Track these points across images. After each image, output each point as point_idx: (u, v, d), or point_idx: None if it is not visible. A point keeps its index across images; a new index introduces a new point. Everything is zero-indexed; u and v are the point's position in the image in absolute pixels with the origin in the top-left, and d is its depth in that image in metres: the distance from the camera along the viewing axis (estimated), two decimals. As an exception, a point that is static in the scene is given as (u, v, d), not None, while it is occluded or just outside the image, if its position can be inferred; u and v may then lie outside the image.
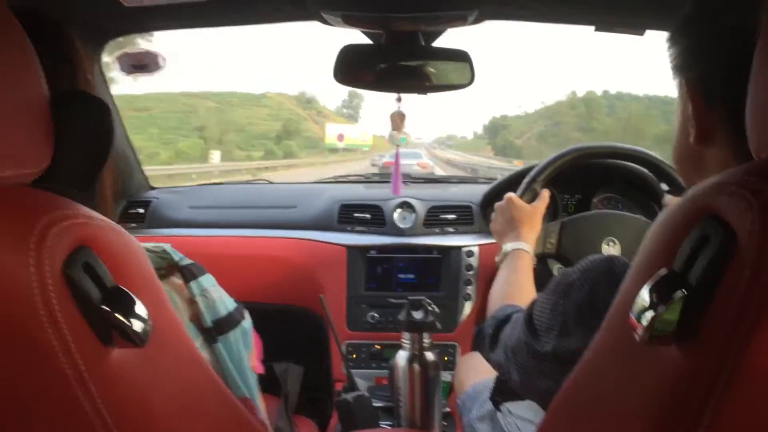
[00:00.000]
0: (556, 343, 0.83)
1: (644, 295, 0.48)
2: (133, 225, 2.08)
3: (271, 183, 2.62)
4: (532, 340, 0.88)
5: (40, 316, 0.50)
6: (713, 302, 0.45)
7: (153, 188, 2.33)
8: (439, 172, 29.49)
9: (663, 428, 0.49)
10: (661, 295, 0.47)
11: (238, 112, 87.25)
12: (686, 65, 0.71)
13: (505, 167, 28.28)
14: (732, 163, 0.59)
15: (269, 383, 1.66)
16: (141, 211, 2.11)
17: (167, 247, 0.97)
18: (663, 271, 0.49)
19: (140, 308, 0.56)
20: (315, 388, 1.89)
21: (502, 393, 1.24)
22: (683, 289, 0.46)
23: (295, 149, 69.17)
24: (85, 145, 0.68)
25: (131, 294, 0.56)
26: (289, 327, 2.05)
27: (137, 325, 0.55)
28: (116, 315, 0.54)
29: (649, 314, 0.47)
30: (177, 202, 2.17)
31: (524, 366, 0.91)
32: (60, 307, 0.51)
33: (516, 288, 1.27)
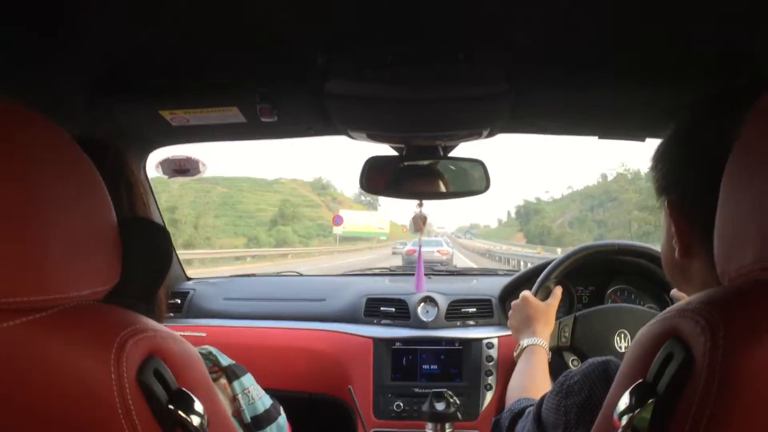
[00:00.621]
0: None
1: (624, 400, 0.58)
2: (171, 315, 2.19)
3: (301, 275, 2.73)
4: None
5: (118, 414, 0.59)
6: (677, 408, 0.54)
7: (189, 279, 2.46)
8: (458, 256, 29.27)
9: None
10: (636, 400, 0.57)
11: (248, 198, 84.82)
12: (667, 186, 0.77)
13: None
14: (713, 275, 0.65)
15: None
16: (179, 301, 2.23)
17: (213, 350, 1.06)
18: (638, 381, 0.58)
19: (198, 406, 0.65)
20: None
21: None
22: (654, 397, 0.56)
23: (291, 236, 66.28)
24: (147, 265, 0.76)
25: (191, 394, 0.65)
26: (320, 415, 2.10)
27: (196, 421, 0.64)
28: (179, 413, 0.63)
29: (628, 416, 0.57)
30: (212, 293, 2.28)
31: None
32: (135, 407, 0.60)
33: (531, 382, 1.35)
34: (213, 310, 2.21)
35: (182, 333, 1.96)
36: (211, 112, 1.44)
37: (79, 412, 0.59)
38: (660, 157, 0.80)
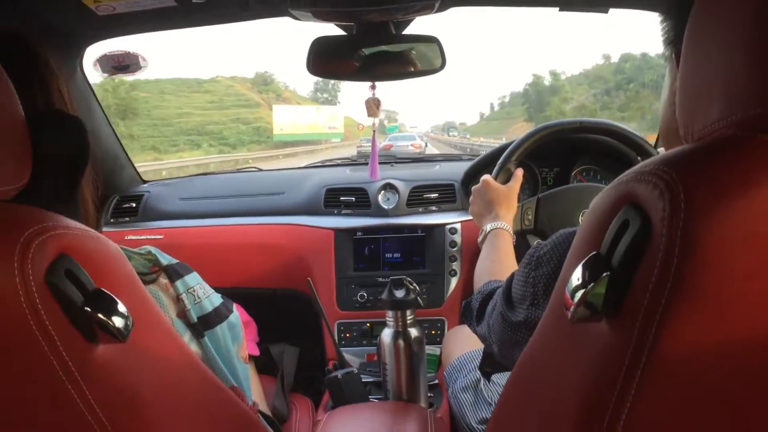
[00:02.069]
0: (528, 313, 0.88)
1: (576, 275, 0.53)
2: (127, 219, 2.13)
3: (260, 170, 2.66)
4: (507, 311, 0.93)
5: (28, 321, 0.55)
6: (634, 282, 0.49)
7: (145, 182, 2.38)
8: (431, 148, 29.60)
9: (595, 399, 0.52)
10: (590, 275, 0.51)
11: (170, 102, 71.21)
12: (675, 37, 0.71)
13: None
14: None
15: (266, 365, 1.73)
16: (133, 205, 2.16)
17: (152, 249, 1.01)
18: (592, 254, 0.53)
19: (120, 306, 0.60)
20: (310, 368, 1.95)
21: (490, 365, 1.29)
22: (608, 270, 0.50)
23: (206, 148, 54.81)
24: (62, 161, 0.72)
25: (111, 294, 0.60)
26: (284, 310, 2.10)
27: (118, 322, 0.59)
28: (98, 314, 0.58)
29: (580, 292, 0.51)
30: (168, 195, 2.22)
31: (501, 336, 0.96)
32: (45, 312, 0.55)
33: (498, 265, 1.31)
34: (169, 211, 2.15)
35: (139, 236, 1.93)
36: None
37: None
38: (672, 5, 0.73)
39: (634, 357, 0.48)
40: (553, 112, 76.81)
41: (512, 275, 0.96)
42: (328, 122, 49.68)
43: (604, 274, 0.50)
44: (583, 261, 0.53)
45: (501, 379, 1.36)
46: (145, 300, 0.72)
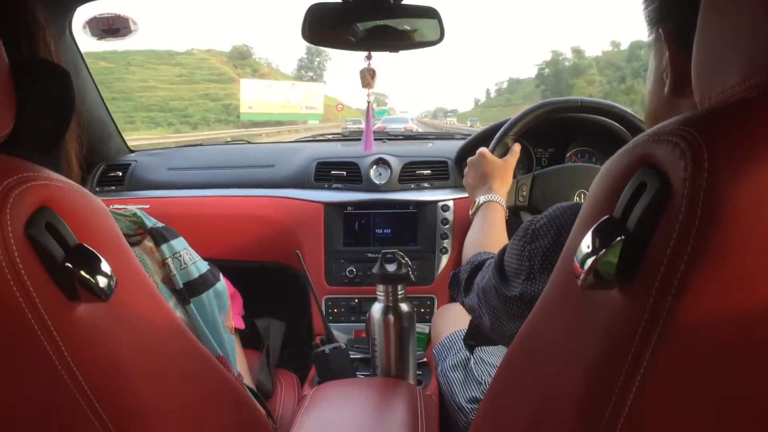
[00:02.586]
0: (523, 288, 0.85)
1: (587, 241, 0.50)
2: (113, 188, 2.09)
3: (249, 143, 2.62)
4: (501, 285, 0.90)
5: (5, 275, 0.52)
6: (650, 247, 0.46)
7: (132, 151, 2.33)
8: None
9: (605, 370, 0.50)
10: (601, 240, 0.48)
11: (135, 74, 65.72)
12: (664, 17, 0.69)
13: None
14: None
15: (251, 338, 1.71)
16: (120, 174, 2.12)
17: (138, 211, 0.98)
18: (604, 218, 0.50)
19: (104, 265, 0.57)
20: (297, 342, 1.92)
21: (475, 337, 1.27)
22: (621, 235, 0.47)
23: (165, 126, 51.70)
24: (46, 111, 0.69)
25: (94, 251, 0.57)
26: (271, 283, 2.08)
27: (101, 281, 0.56)
28: (80, 272, 0.55)
29: (591, 259, 0.48)
30: (156, 165, 2.17)
31: (494, 309, 0.93)
32: (24, 266, 0.52)
33: (489, 237, 1.29)
34: (156, 180, 2.11)
35: (124, 206, 1.90)
36: None
37: None
38: None
39: (648, 326, 0.46)
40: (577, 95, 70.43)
41: (504, 248, 0.93)
42: (305, 101, 44.04)
43: (618, 238, 0.47)
44: (594, 226, 0.50)
45: (491, 358, 1.34)
46: (130, 260, 0.70)
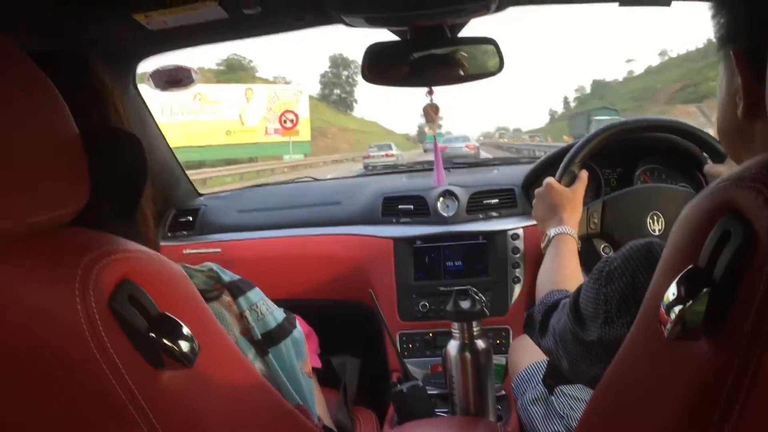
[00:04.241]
0: (602, 332, 0.83)
1: (673, 290, 0.48)
2: (184, 233, 2.14)
3: (315, 180, 2.66)
4: (578, 329, 0.88)
5: (91, 349, 0.53)
6: (737, 298, 0.45)
7: (201, 195, 2.40)
8: (484, 153, 29.16)
9: (693, 422, 0.49)
10: (688, 291, 0.47)
11: None
12: (734, 36, 0.66)
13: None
14: None
15: (328, 377, 1.71)
16: (190, 219, 2.17)
17: (214, 266, 1.00)
18: (689, 267, 0.48)
19: (186, 331, 0.58)
20: (373, 379, 1.92)
21: (554, 377, 1.24)
22: (708, 285, 0.46)
23: None
24: (121, 180, 0.70)
25: (176, 319, 0.58)
26: (345, 321, 2.08)
27: (184, 347, 0.58)
28: (163, 340, 0.57)
29: (677, 309, 0.47)
30: (224, 207, 2.22)
31: (572, 353, 0.92)
32: (109, 338, 0.54)
33: (562, 272, 1.26)
34: (226, 224, 2.16)
35: (196, 250, 1.94)
36: (189, 10, 1.31)
37: (50, 351, 0.54)
38: (725, 1, 0.67)
39: (736, 379, 0.45)
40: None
41: (579, 290, 0.92)
42: (272, 118, 28.38)
43: (705, 289, 0.46)
44: (680, 275, 0.48)
45: (572, 390, 1.31)
46: (210, 321, 0.71)
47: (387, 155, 26.64)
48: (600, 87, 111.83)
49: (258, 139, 28.40)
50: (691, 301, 0.46)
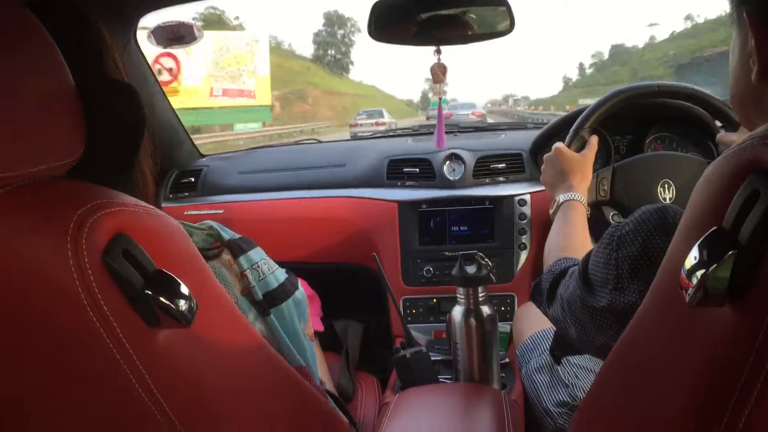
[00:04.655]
0: (612, 298, 0.81)
1: (694, 254, 0.47)
2: (186, 194, 2.13)
3: (319, 142, 2.63)
4: (587, 296, 0.86)
5: (84, 305, 0.52)
6: (765, 261, 0.43)
7: (203, 156, 2.37)
8: (491, 120, 28.72)
9: (715, 391, 0.47)
10: (711, 254, 0.45)
11: None
12: None
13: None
14: None
15: (330, 341, 1.71)
16: (192, 180, 2.15)
17: (214, 224, 0.98)
18: (712, 229, 0.47)
19: (183, 289, 0.57)
20: (375, 344, 1.91)
21: (561, 347, 1.22)
22: (734, 248, 0.44)
23: None
24: (118, 131, 0.68)
25: (174, 276, 0.57)
26: (348, 284, 2.08)
27: (182, 305, 0.56)
28: (160, 298, 0.55)
29: (700, 273, 0.45)
30: (227, 169, 2.20)
31: (581, 321, 0.90)
32: (102, 295, 0.52)
33: (571, 240, 1.24)
34: (229, 185, 2.13)
35: (198, 212, 1.92)
36: None
37: (42, 306, 0.53)
38: None
39: (762, 347, 0.43)
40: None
41: (588, 255, 0.89)
42: (221, 76, 21.87)
43: (730, 252, 0.44)
44: (702, 237, 0.46)
45: (578, 359, 1.30)
46: (209, 280, 0.70)
47: (377, 123, 24.55)
48: (620, 52, 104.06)
49: (201, 102, 20.98)
50: (715, 265, 0.44)
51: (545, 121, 2.18)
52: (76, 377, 0.56)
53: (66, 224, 0.52)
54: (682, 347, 0.53)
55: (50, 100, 0.57)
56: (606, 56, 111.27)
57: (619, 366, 0.68)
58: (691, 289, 0.46)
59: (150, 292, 0.55)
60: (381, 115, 27.11)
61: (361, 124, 24.40)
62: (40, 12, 0.59)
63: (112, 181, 0.63)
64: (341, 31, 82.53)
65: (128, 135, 0.71)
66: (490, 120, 27.79)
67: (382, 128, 22.56)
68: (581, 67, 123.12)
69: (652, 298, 0.60)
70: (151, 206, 0.63)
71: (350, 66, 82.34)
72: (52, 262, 0.51)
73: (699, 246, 0.46)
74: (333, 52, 79.71)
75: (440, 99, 1.65)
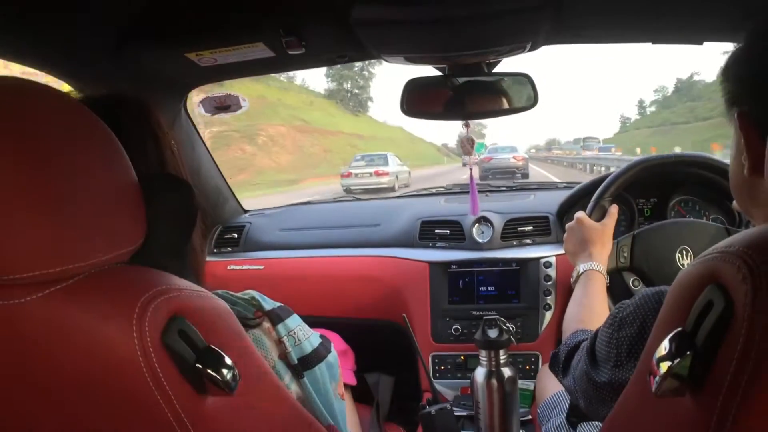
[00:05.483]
0: (612, 375, 0.88)
1: (665, 345, 0.54)
2: (229, 249, 2.24)
3: (358, 200, 2.73)
4: (591, 371, 0.93)
5: (144, 377, 0.60)
6: (716, 362, 0.50)
7: (246, 211, 2.50)
8: (533, 167, 27.66)
9: None
10: (676, 350, 0.53)
11: None
12: (739, 99, 0.71)
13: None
14: None
15: (362, 393, 1.78)
16: (235, 236, 2.27)
17: (256, 294, 1.06)
18: (676, 330, 0.54)
19: (228, 361, 0.65)
20: (405, 397, 1.97)
21: (577, 414, 1.28)
22: (692, 348, 0.52)
23: None
24: (172, 221, 0.76)
25: (220, 351, 0.65)
26: (381, 340, 2.14)
27: (226, 376, 0.64)
28: (208, 370, 0.64)
29: (666, 365, 0.53)
30: (268, 225, 2.31)
31: (587, 394, 0.96)
32: (160, 368, 0.61)
33: (588, 311, 1.30)
34: (269, 242, 2.24)
35: (240, 266, 2.02)
36: (237, 50, 1.40)
37: (107, 380, 0.61)
38: (732, 64, 0.73)
39: (719, 430, 0.49)
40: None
41: (597, 332, 0.96)
42: None
43: (688, 352, 0.52)
44: (670, 335, 0.54)
45: (597, 422, 1.35)
46: (250, 352, 0.78)
47: (378, 173, 19.83)
48: (687, 86, 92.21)
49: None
50: (678, 359, 0.52)
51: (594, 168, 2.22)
52: None
53: (131, 310, 0.60)
54: (654, 427, 0.60)
55: (114, 193, 0.64)
56: (670, 92, 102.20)
57: None
58: (658, 377, 0.54)
59: (200, 366, 0.63)
60: (385, 161, 21.49)
61: (355, 174, 20.30)
62: (106, 107, 0.68)
63: (168, 262, 0.72)
64: (359, 62, 67.75)
65: (182, 226, 0.79)
66: (532, 165, 27.12)
67: (384, 180, 17.79)
68: (641, 104, 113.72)
69: (632, 383, 0.67)
70: (203, 289, 0.71)
71: (368, 103, 69.71)
72: (119, 340, 0.59)
73: (669, 340, 0.54)
74: (349, 86, 67.19)
75: (470, 171, 1.75)
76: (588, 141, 58.89)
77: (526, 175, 21.54)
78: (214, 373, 0.64)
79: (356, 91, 67.15)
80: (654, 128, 78.90)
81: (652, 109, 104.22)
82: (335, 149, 41.95)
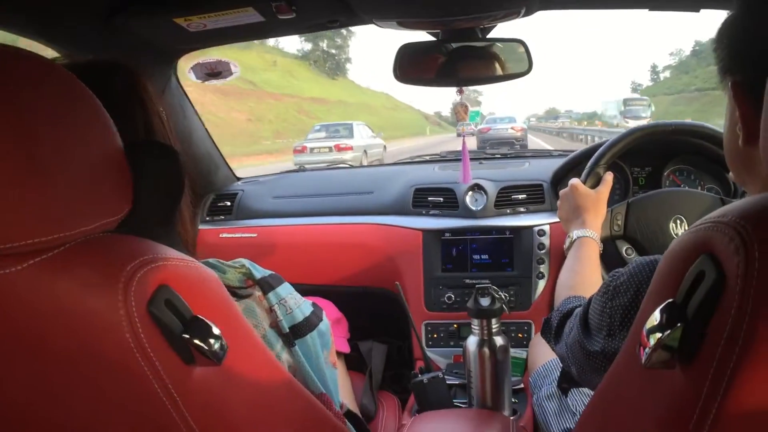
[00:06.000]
0: (605, 344, 0.87)
1: (656, 316, 0.53)
2: (222, 217, 2.23)
3: (351, 167, 2.71)
4: (584, 339, 0.92)
5: (131, 347, 0.60)
6: (707, 334, 0.49)
7: (239, 179, 2.48)
8: (532, 138, 27.29)
9: None
10: (665, 323, 0.52)
11: None
12: (732, 68, 0.70)
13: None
14: None
15: (355, 361, 1.78)
16: (228, 203, 2.26)
17: (246, 262, 1.05)
18: (667, 301, 0.53)
19: (215, 331, 0.65)
20: (398, 365, 1.98)
21: (568, 381, 1.28)
22: (683, 320, 0.51)
23: None
24: (159, 188, 0.74)
25: (207, 321, 0.65)
26: (373, 308, 2.15)
27: (214, 346, 0.64)
28: (195, 340, 0.63)
29: (656, 336, 0.52)
30: (261, 193, 2.30)
31: (580, 362, 0.96)
32: (147, 339, 0.60)
33: (581, 278, 1.29)
34: (263, 209, 2.23)
35: (233, 234, 2.01)
36: (227, 15, 1.38)
37: (94, 350, 0.60)
38: (725, 32, 0.71)
39: (704, 407, 0.49)
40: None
41: (590, 300, 0.95)
42: None
43: (678, 324, 0.51)
44: (660, 306, 0.53)
45: (587, 388, 1.35)
46: (239, 322, 0.77)
47: (338, 148, 16.93)
48: (708, 48, 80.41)
49: None
50: (669, 331, 0.51)
51: (595, 139, 2.20)
52: (121, 409, 0.64)
53: (117, 279, 0.59)
54: (642, 399, 0.59)
55: (101, 161, 0.63)
56: (686, 55, 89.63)
57: (596, 411, 0.75)
58: (648, 348, 0.53)
59: (187, 336, 0.63)
60: (350, 133, 18.49)
61: (311, 149, 17.34)
62: (92, 75, 0.66)
63: (155, 231, 0.71)
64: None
65: (169, 194, 0.77)
66: (530, 135, 26.86)
67: (348, 156, 15.39)
68: (654, 69, 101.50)
69: (623, 353, 0.66)
70: (190, 258, 0.70)
71: (347, 65, 64.12)
72: (104, 310, 0.59)
73: (660, 311, 0.53)
74: (324, 45, 60.15)
75: (463, 139, 1.73)
76: (631, 104, 42.02)
77: (524, 147, 21.50)
78: (201, 343, 0.63)
79: (333, 51, 61.33)
80: (675, 95, 68.63)
81: (666, 74, 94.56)
82: (271, 117, 35.24)
